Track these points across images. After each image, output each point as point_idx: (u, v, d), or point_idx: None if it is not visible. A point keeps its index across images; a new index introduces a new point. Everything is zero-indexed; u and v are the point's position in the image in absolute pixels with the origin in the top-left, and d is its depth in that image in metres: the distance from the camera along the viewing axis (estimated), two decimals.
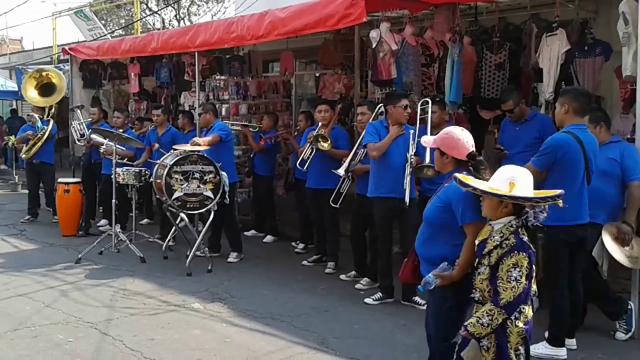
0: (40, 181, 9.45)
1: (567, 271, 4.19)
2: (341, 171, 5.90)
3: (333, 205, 6.28)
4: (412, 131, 5.33)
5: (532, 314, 2.86)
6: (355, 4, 5.82)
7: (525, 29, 6.60)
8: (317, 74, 9.89)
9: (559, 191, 2.78)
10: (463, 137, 3.19)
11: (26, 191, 10.04)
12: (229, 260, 6.91)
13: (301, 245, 7.50)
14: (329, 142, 6.37)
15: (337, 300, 5.57)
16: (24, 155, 9.40)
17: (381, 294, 5.48)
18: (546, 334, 4.30)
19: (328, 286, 5.99)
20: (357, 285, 5.90)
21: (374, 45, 6.66)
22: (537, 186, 3.03)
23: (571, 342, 4.32)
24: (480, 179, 3.03)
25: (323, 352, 4.39)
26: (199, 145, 6.54)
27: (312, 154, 6.56)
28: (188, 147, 6.54)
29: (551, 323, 4.25)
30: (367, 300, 5.47)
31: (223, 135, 6.92)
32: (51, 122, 9.47)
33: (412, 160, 5.17)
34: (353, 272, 6.16)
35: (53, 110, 9.92)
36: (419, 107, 5.68)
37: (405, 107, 5.38)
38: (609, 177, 4.52)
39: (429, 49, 7.03)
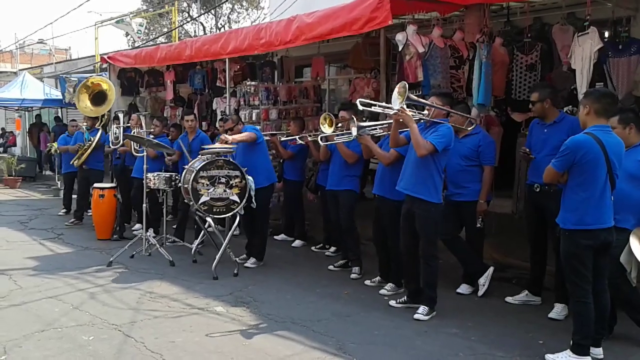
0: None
1: (589, 277, 4.02)
2: (354, 131, 5.36)
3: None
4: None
5: None
6: (380, 7, 5.80)
7: (548, 29, 6.44)
8: (352, 78, 9.86)
9: None
10: None
11: None
12: (246, 265, 6.89)
13: (332, 249, 7.47)
14: (333, 125, 5.91)
15: (359, 305, 5.50)
16: (75, 163, 9.73)
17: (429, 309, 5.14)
18: (571, 342, 4.15)
19: (352, 291, 5.93)
20: (381, 291, 5.82)
21: (400, 49, 6.62)
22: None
23: (597, 352, 4.13)
24: None
25: (340, 357, 4.33)
26: (228, 142, 6.57)
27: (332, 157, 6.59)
28: (217, 146, 6.60)
29: (574, 331, 4.08)
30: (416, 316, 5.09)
31: (258, 134, 6.85)
32: (100, 130, 9.74)
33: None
34: (378, 278, 6.09)
35: (105, 119, 10.22)
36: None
37: None
38: (638, 180, 4.35)
39: (458, 50, 6.93)
